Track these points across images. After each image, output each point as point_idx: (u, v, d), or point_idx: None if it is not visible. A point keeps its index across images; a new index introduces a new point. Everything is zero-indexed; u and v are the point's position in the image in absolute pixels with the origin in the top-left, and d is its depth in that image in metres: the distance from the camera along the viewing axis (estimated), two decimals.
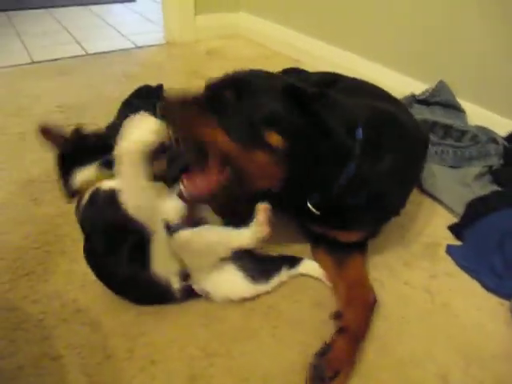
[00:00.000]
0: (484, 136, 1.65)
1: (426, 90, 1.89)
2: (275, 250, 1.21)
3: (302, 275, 1.17)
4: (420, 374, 0.96)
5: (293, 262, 1.17)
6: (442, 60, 1.91)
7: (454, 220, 1.41)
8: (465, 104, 1.84)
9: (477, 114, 1.81)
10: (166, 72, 2.41)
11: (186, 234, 1.01)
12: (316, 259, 1.20)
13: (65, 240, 1.25)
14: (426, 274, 1.22)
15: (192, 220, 1.07)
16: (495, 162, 1.59)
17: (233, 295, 1.06)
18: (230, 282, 1.06)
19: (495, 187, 1.52)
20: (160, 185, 1.10)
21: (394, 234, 1.35)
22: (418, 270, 1.23)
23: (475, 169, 1.58)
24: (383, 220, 1.24)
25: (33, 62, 2.46)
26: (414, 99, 1.90)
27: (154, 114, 0.90)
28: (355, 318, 1.01)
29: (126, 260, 0.95)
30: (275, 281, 1.11)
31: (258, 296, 1.09)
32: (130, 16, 3.61)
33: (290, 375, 0.93)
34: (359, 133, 1.02)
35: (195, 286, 1.04)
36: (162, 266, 0.98)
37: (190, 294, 1.04)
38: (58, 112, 1.92)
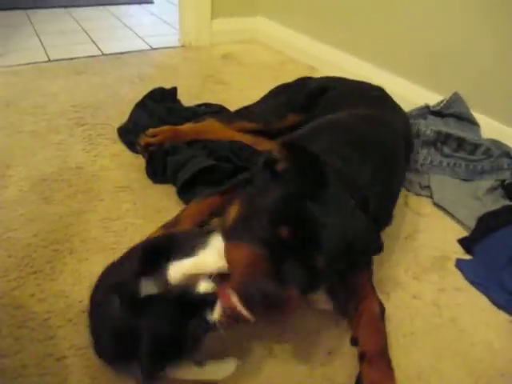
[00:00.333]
0: (497, 150, 1.64)
1: (441, 102, 1.88)
2: None
3: None
4: None
5: None
6: (456, 71, 1.90)
7: (464, 233, 1.40)
8: (478, 116, 1.83)
9: (490, 127, 1.79)
10: (180, 75, 2.42)
11: None
12: None
13: (74, 240, 1.25)
14: (435, 288, 1.21)
15: None
16: (507, 176, 1.58)
17: None
18: None
19: (507, 202, 1.51)
20: None
21: (404, 246, 1.34)
22: (427, 283, 1.22)
23: (487, 182, 1.57)
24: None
25: (49, 61, 2.48)
26: (428, 110, 1.88)
27: None
28: (370, 338, 0.99)
29: None
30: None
31: None
32: (147, 17, 3.63)
33: None
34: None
35: None
36: None
37: None
38: (72, 111, 1.93)
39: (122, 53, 2.69)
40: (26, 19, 3.19)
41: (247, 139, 1.62)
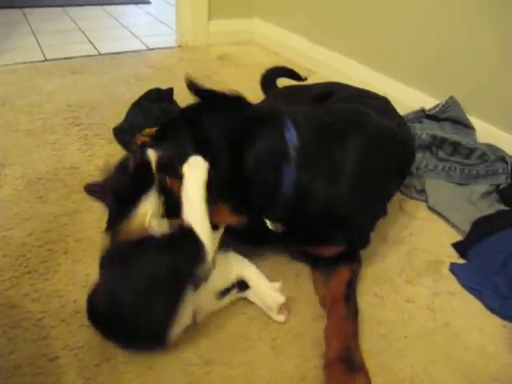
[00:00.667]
0: (492, 154, 1.64)
1: (436, 105, 1.88)
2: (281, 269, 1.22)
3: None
4: None
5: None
6: (453, 76, 1.91)
7: (458, 237, 1.41)
8: (474, 121, 1.83)
9: (486, 132, 1.80)
10: (176, 75, 2.41)
11: None
12: (312, 277, 1.20)
13: (68, 240, 1.25)
14: (429, 292, 1.21)
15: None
16: (503, 180, 1.58)
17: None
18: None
19: (502, 206, 1.51)
20: None
21: (398, 250, 1.34)
22: (421, 287, 1.22)
23: (482, 187, 1.57)
24: (350, 232, 1.15)
25: (45, 60, 2.48)
26: (424, 114, 1.89)
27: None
28: (330, 343, 0.98)
29: None
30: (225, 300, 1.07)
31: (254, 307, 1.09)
32: (144, 18, 3.63)
33: None
34: (291, 134, 1.03)
35: None
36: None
37: None
38: (68, 111, 1.92)
39: (118, 53, 2.68)
40: (22, 18, 3.19)
41: None
